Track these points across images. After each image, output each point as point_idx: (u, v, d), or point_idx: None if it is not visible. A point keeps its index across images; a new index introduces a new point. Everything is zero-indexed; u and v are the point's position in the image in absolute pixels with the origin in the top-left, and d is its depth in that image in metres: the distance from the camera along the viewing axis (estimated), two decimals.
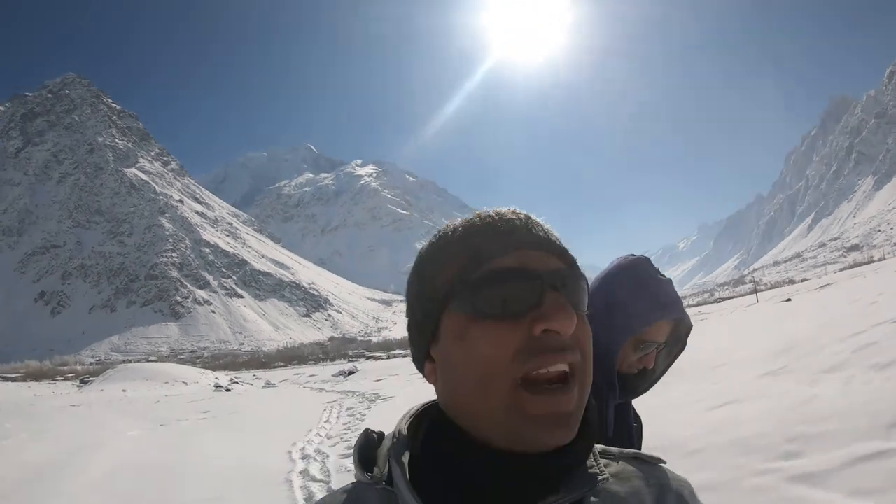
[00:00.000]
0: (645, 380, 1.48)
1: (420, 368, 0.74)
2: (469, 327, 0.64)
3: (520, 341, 0.62)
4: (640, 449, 1.33)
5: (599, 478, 0.67)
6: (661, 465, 0.77)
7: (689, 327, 1.51)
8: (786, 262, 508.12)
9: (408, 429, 0.72)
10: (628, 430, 1.46)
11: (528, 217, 0.72)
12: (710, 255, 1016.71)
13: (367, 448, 0.72)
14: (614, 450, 0.76)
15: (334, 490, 0.70)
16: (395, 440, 0.70)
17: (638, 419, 1.56)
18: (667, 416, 6.60)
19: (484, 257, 0.66)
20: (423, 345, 0.71)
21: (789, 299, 29.48)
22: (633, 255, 1.53)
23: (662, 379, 20.87)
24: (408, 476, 0.64)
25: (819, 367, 7.07)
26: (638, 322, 1.38)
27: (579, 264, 0.70)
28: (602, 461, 0.72)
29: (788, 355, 8.40)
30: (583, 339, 0.66)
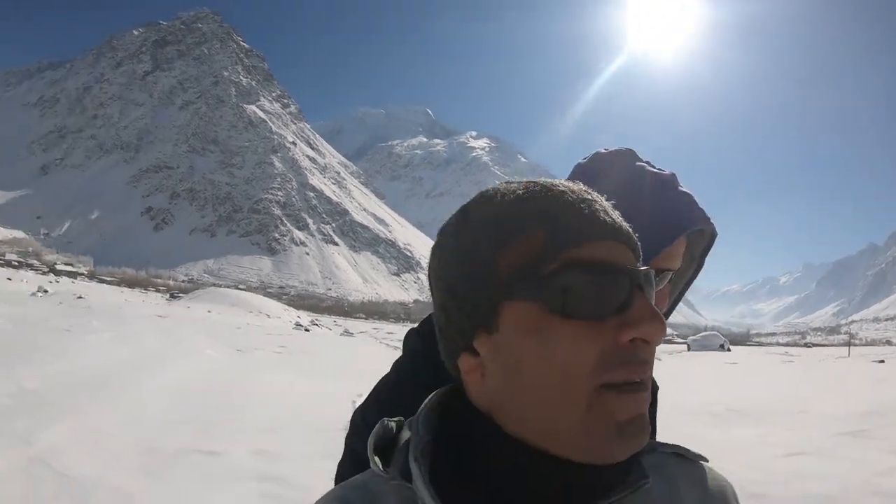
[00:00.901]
0: None
1: (451, 358, 0.59)
2: (545, 323, 0.52)
3: (604, 348, 0.51)
4: (654, 424, 1.03)
5: (642, 479, 0.57)
6: (703, 462, 0.68)
7: (711, 238, 1.08)
8: (887, 320, 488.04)
9: (428, 421, 0.60)
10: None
11: (606, 200, 0.59)
12: (810, 296, 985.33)
13: (384, 439, 0.61)
14: (653, 442, 0.67)
15: (353, 478, 0.62)
16: (413, 434, 0.58)
17: (653, 385, 1.05)
18: (734, 452, 6.40)
19: (566, 242, 0.53)
20: (466, 333, 0.56)
21: (882, 361, 27.41)
22: (606, 150, 1.10)
23: (733, 415, 10.77)
24: (427, 475, 0.54)
25: None
26: (651, 245, 0.92)
27: None
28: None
29: (873, 419, 8.19)
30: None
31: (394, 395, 0.95)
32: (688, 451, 0.67)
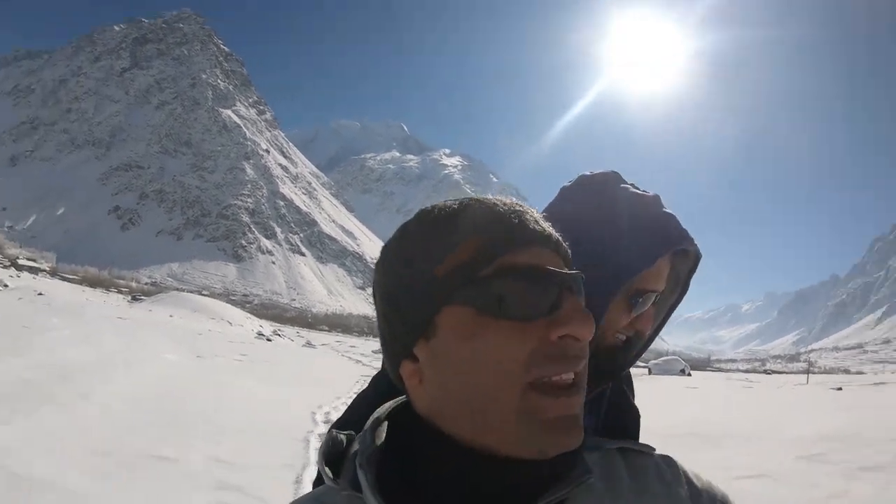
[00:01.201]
0: (631, 349, 1.01)
1: (394, 366, 0.62)
2: (480, 326, 0.55)
3: (535, 345, 0.54)
4: None
5: (585, 475, 0.58)
6: (650, 452, 0.70)
7: (695, 259, 1.05)
8: (846, 349, 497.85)
9: (376, 432, 0.62)
10: (623, 428, 1.06)
11: (536, 211, 0.63)
12: (771, 324, 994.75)
13: (334, 451, 0.63)
14: (597, 439, 0.69)
15: (304, 494, 0.65)
16: (361, 443, 0.60)
17: (635, 412, 1.11)
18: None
19: (499, 249, 0.56)
20: (407, 341, 0.59)
21: (840, 388, 27.29)
22: (590, 173, 1.09)
23: (692, 439, 11.13)
24: (374, 484, 0.56)
25: (858, 463, 6.96)
26: (633, 265, 0.93)
27: None
28: (584, 453, 0.63)
29: (829, 444, 8.31)
30: (589, 345, 0.59)
31: (371, 410, 0.87)
32: (634, 443, 0.70)
